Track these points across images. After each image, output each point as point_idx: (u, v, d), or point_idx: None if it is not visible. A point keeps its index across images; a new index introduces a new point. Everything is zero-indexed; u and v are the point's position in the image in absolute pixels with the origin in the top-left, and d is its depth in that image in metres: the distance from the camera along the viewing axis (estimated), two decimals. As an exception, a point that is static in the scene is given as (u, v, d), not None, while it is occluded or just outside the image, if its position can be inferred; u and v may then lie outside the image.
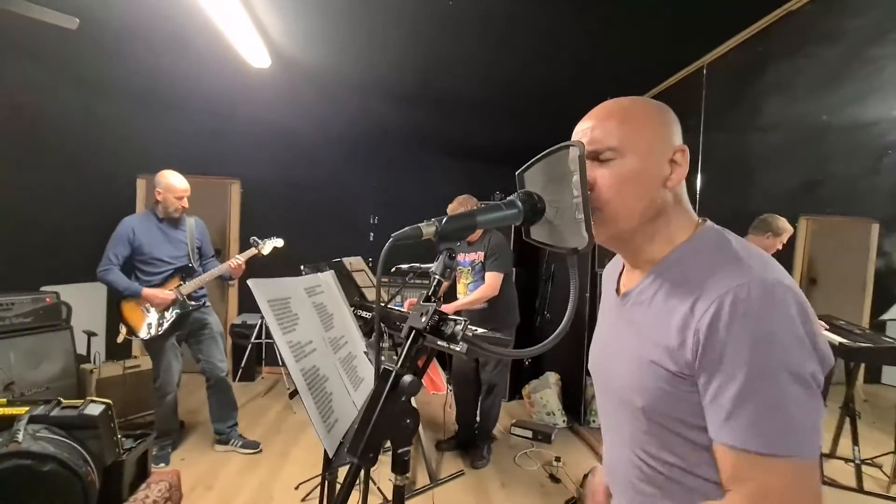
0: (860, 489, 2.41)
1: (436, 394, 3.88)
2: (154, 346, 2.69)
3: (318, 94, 3.51)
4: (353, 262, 2.54)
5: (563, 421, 3.67)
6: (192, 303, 2.72)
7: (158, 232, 2.69)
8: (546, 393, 3.76)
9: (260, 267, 2.88)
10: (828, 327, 2.32)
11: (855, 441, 2.45)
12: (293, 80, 3.23)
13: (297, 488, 2.55)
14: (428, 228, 0.58)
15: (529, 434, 3.42)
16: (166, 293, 2.62)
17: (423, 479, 2.71)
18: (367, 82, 3.24)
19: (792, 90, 2.09)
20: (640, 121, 0.69)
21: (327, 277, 1.25)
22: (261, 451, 2.95)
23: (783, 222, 2.12)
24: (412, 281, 2.35)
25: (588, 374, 3.96)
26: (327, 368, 0.87)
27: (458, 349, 2.15)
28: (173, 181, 2.66)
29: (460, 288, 3.10)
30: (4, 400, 1.45)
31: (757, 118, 2.35)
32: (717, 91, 2.47)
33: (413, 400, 0.57)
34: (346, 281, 2.59)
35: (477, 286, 2.97)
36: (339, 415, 0.82)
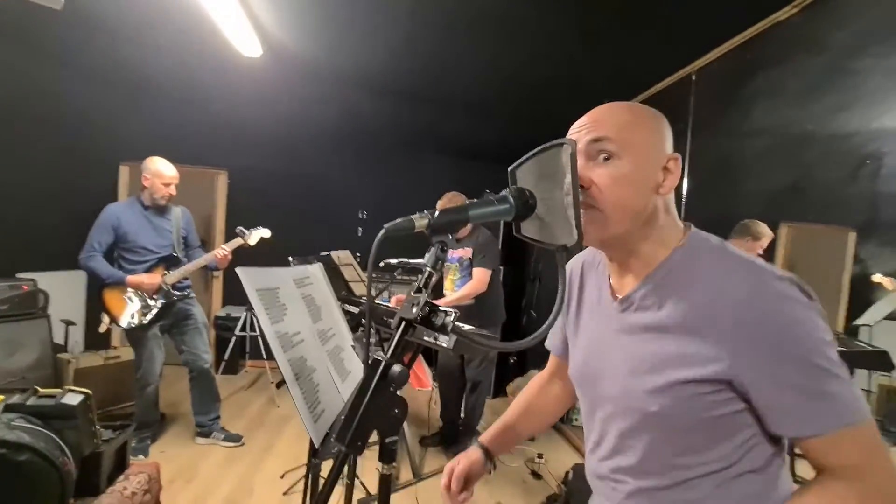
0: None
1: (421, 390, 3.88)
2: (136, 335, 2.64)
3: (309, 86, 3.48)
4: (341, 256, 2.53)
5: (546, 419, 3.71)
6: (177, 293, 2.68)
7: (144, 220, 2.64)
8: (530, 391, 3.79)
9: (246, 258, 2.84)
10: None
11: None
12: (285, 71, 3.20)
13: (283, 476, 2.54)
14: (420, 220, 0.59)
15: (512, 431, 3.44)
16: (153, 277, 2.58)
17: (406, 475, 2.72)
18: (360, 76, 3.22)
19: (777, 98, 2.14)
20: (637, 125, 0.70)
21: (315, 269, 1.24)
22: (243, 444, 2.93)
23: (763, 227, 2.18)
24: (400, 277, 2.35)
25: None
26: (315, 360, 0.86)
27: (444, 343, 2.14)
28: (162, 167, 2.62)
29: (447, 284, 3.11)
30: (-21, 388, 1.41)
31: (743, 125, 2.40)
32: (706, 97, 2.51)
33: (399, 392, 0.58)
34: (334, 275, 2.58)
35: (464, 283, 2.98)
36: (325, 406, 0.82)
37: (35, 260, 3.35)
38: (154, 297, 2.59)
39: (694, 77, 2.58)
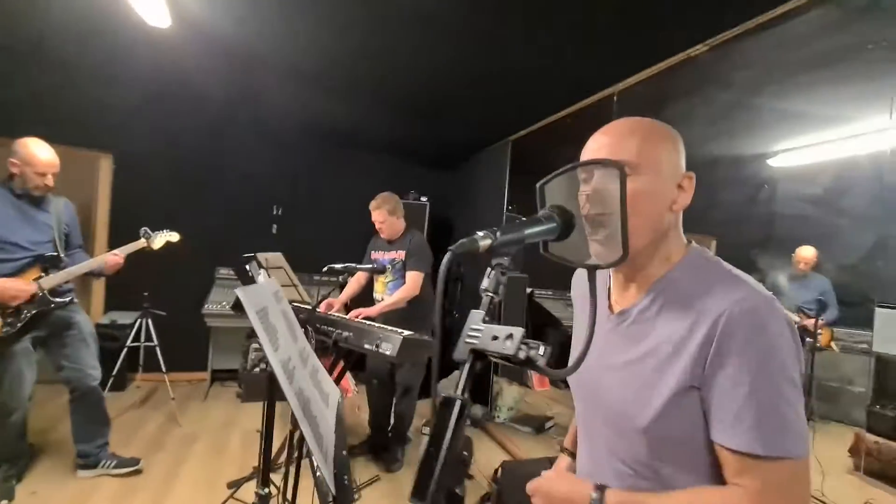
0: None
1: (344, 396, 3.73)
2: (-2, 351, 2.14)
3: (221, 67, 3.12)
4: (270, 259, 2.31)
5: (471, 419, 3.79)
6: (56, 299, 2.23)
7: (13, 210, 2.15)
8: (455, 391, 3.84)
9: (137, 263, 2.47)
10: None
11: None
12: (196, 46, 2.83)
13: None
14: (483, 241, 0.55)
15: (440, 433, 3.46)
16: (23, 284, 2.11)
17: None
18: (283, 62, 2.97)
19: (689, 124, 2.43)
20: (655, 142, 0.72)
21: (273, 280, 1.10)
22: (140, 470, 2.54)
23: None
24: (338, 280, 2.21)
25: (497, 371, 4.15)
26: (307, 387, 0.75)
27: (388, 352, 2.03)
28: (37, 152, 2.15)
29: (378, 287, 3.02)
30: None
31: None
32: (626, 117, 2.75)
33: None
34: (260, 279, 2.34)
35: (397, 285, 2.92)
36: (327, 441, 0.72)
37: None
38: (23, 304, 2.12)
39: (615, 98, 2.80)
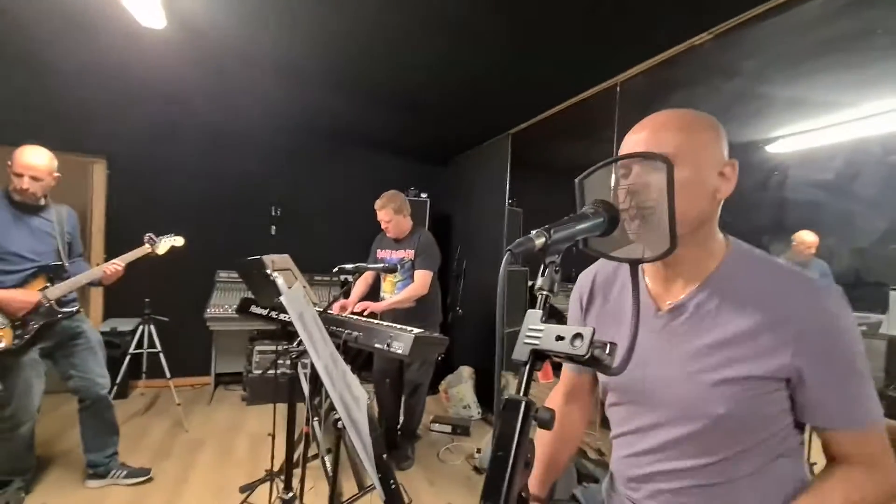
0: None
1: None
2: (6, 362, 2.10)
3: (219, 68, 3.07)
4: (277, 261, 2.27)
5: (478, 413, 3.80)
6: (64, 309, 2.20)
7: (12, 218, 2.11)
8: (462, 387, 3.84)
9: (135, 269, 2.43)
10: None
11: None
12: (191, 49, 2.78)
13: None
14: (538, 239, 0.54)
15: (449, 429, 3.47)
16: (28, 294, 2.07)
17: (350, 489, 2.57)
18: (279, 62, 2.92)
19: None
20: (694, 131, 0.72)
21: (298, 284, 1.08)
22: (151, 479, 2.52)
23: None
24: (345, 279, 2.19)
25: (504, 366, 4.14)
26: (344, 392, 0.74)
27: (400, 351, 2.02)
28: (19, 153, 2.10)
29: (386, 286, 3.00)
30: None
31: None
32: (629, 108, 2.73)
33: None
34: (266, 283, 2.31)
35: (405, 284, 2.90)
36: (367, 446, 0.71)
37: None
38: (30, 316, 2.09)
39: (618, 89, 2.79)
